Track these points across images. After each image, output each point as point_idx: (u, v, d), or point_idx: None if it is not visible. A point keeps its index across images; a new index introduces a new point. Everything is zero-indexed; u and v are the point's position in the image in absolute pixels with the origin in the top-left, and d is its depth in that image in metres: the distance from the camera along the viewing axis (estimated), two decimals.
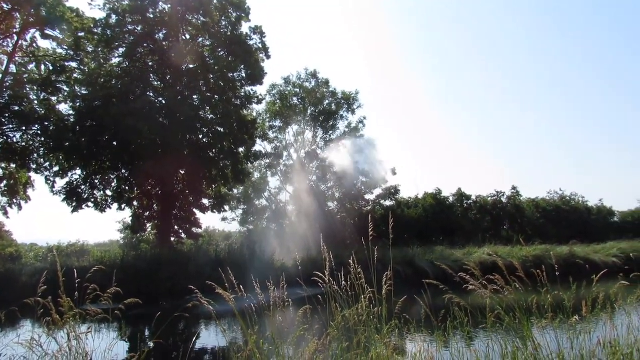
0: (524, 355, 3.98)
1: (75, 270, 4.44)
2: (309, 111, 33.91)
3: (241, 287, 4.25)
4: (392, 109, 68.42)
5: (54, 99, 24.61)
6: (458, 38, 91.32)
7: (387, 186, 34.76)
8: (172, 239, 26.75)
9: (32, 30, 24.23)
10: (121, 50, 25.07)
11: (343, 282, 4.41)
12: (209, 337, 12.98)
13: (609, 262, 24.99)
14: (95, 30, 24.10)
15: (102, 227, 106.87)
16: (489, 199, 36.58)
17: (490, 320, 4.29)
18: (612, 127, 78.50)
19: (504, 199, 36.82)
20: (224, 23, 26.29)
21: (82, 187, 24.61)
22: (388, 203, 34.59)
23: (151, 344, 12.23)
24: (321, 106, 33.63)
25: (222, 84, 26.07)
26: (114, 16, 24.35)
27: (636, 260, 25.19)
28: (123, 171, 25.64)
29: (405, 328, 4.50)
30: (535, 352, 3.95)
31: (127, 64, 24.97)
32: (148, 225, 27.89)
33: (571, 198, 38.27)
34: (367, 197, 35.14)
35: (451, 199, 35.37)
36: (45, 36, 24.04)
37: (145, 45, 25.18)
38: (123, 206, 25.72)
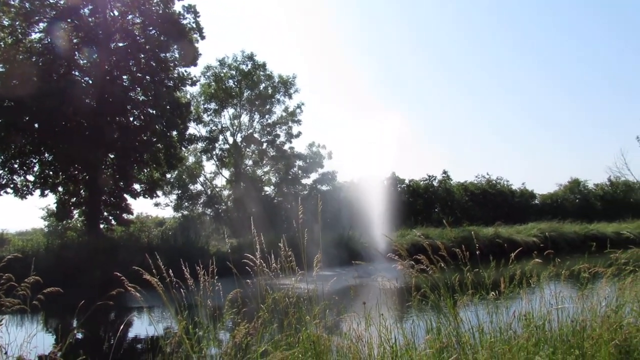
0: (447, 330, 4.20)
1: None
2: (245, 94, 33.38)
3: (170, 272, 4.16)
4: (330, 94, 68.84)
5: None
6: (396, 23, 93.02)
7: (324, 171, 35.09)
8: (101, 225, 25.64)
9: None
10: (42, 25, 23.42)
11: (273, 264, 4.43)
12: (141, 326, 12.66)
13: (530, 241, 26.70)
14: (12, 2, 22.33)
15: (24, 214, 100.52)
16: (421, 182, 37.88)
17: (416, 298, 4.49)
18: (537, 115, 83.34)
19: (435, 183, 38.28)
20: (155, 0, 25.18)
21: (0, 172, 23.00)
22: (325, 187, 34.93)
23: (79, 335, 11.76)
24: (257, 90, 33.19)
25: (153, 64, 25.05)
26: None
27: (551, 239, 27.17)
28: (46, 155, 24.19)
29: (334, 308, 4.61)
30: (457, 326, 4.18)
31: (49, 40, 23.36)
32: (75, 211, 26.52)
33: (497, 182, 40.41)
34: (304, 181, 35.31)
35: (385, 183, 36.27)
36: None
37: (69, 20, 23.64)
38: (46, 192, 24.28)
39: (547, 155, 74.42)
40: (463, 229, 25.19)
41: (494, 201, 38.04)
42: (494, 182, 40.26)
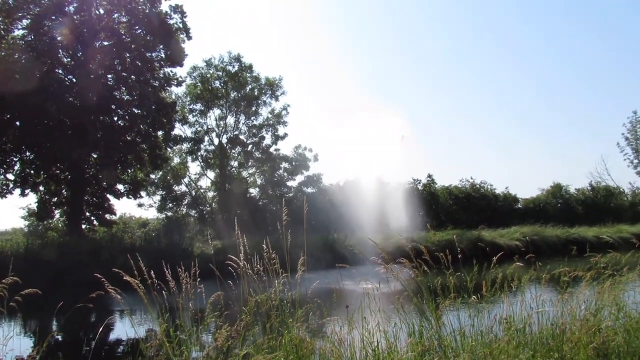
0: (429, 333, 4.22)
1: None
2: (231, 95, 33.24)
3: (152, 273, 4.12)
4: (316, 96, 68.87)
5: None
6: (382, 26, 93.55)
7: (309, 173, 35.09)
8: (83, 226, 25.32)
9: None
10: (25, 21, 23.10)
11: (257, 267, 4.42)
12: (123, 329, 12.50)
13: (512, 245, 26.92)
14: None
15: (3, 214, 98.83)
16: (406, 186, 38.00)
17: (399, 301, 4.51)
18: (521, 119, 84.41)
19: (420, 187, 38.46)
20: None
21: None
22: (310, 190, 34.90)
23: (59, 338, 11.59)
24: (244, 91, 33.08)
25: (139, 64, 24.86)
26: None
27: (533, 243, 27.47)
28: (27, 153, 23.83)
29: (317, 311, 4.60)
30: (439, 330, 4.20)
31: (33, 37, 23.02)
32: (56, 211, 26.17)
33: (481, 186, 40.70)
34: (290, 183, 35.28)
35: (370, 186, 36.31)
36: None
37: (53, 18, 23.32)
38: (27, 191, 23.92)
39: (530, 160, 75.34)
40: (447, 233, 25.39)
41: (478, 205, 38.31)
42: (477, 186, 40.56)
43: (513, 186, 72.20)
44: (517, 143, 79.68)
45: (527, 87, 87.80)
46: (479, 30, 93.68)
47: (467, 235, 26.60)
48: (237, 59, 32.78)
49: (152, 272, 4.20)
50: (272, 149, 34.40)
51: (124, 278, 3.85)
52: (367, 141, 36.14)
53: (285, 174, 34.78)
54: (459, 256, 4.80)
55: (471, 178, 41.03)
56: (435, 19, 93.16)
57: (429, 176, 39.18)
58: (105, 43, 24.65)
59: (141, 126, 24.93)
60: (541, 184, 48.48)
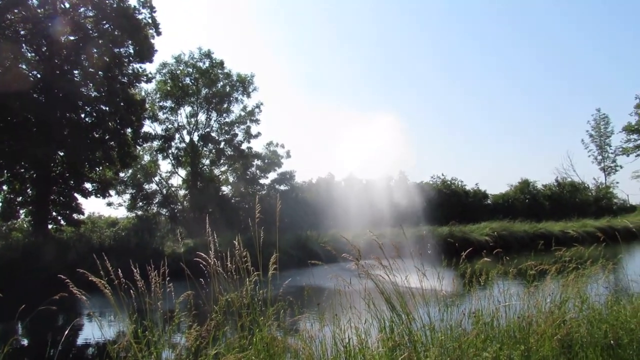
0: (399, 328, 4.26)
1: None
2: (202, 92, 32.79)
3: (119, 273, 4.04)
4: (288, 92, 68.67)
5: None
6: (358, 22, 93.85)
7: (282, 170, 34.98)
8: (50, 226, 24.62)
9: None
10: None
11: (228, 265, 4.38)
12: (91, 332, 12.22)
13: (482, 240, 27.45)
14: None
15: None
16: (379, 183, 38.26)
17: (370, 297, 4.54)
18: (491, 116, 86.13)
19: (392, 184, 38.80)
20: None
21: None
22: (283, 187, 34.81)
23: (24, 341, 11.29)
24: (215, 88, 32.68)
25: (107, 60, 24.27)
26: None
27: (502, 238, 28.09)
28: None
29: (288, 309, 4.60)
30: (409, 325, 4.25)
31: None
32: (21, 211, 25.36)
33: (451, 182, 41.31)
34: (262, 181, 35.10)
35: (343, 183, 36.50)
36: None
37: (15, 11, 22.56)
38: None
39: (499, 156, 76.98)
40: (418, 229, 25.68)
41: (449, 201, 38.81)
42: (448, 182, 41.14)
43: (483, 182, 73.64)
44: (487, 140, 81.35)
45: (496, 86, 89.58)
46: (448, 27, 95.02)
47: (438, 231, 26.99)
48: (208, 55, 32.37)
49: (121, 272, 4.13)
50: (244, 147, 34.13)
51: (90, 279, 3.76)
52: (339, 138, 36.25)
53: (257, 171, 34.58)
54: (429, 252, 4.86)
55: (442, 174, 41.62)
56: (408, 15, 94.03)
57: (401, 173, 39.60)
58: (71, 38, 23.97)
59: (109, 123, 24.39)
60: (510, 180, 49.49)
